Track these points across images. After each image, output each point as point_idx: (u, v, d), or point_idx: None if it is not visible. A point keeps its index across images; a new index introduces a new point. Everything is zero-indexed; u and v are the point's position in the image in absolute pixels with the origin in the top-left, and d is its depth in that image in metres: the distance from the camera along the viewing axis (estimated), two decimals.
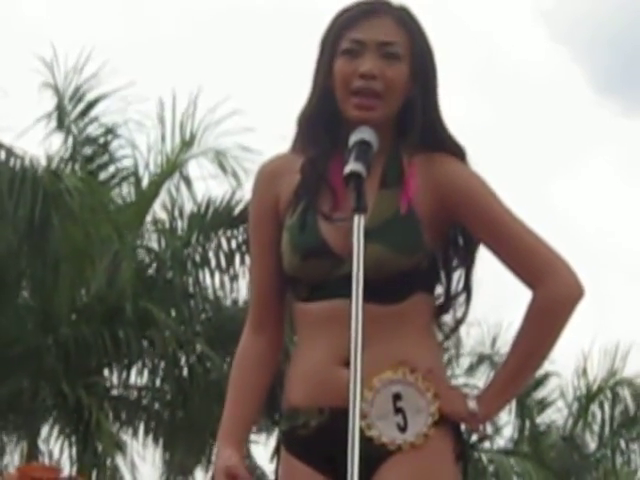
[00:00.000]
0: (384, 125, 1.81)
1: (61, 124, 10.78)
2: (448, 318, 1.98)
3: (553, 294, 1.83)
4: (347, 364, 1.70)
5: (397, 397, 1.85)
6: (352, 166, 1.70)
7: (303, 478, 1.88)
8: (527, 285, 1.86)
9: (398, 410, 1.85)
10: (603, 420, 14.48)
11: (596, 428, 14.49)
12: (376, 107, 1.81)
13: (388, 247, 1.78)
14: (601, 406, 14.42)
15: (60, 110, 10.81)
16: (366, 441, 1.71)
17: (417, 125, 1.86)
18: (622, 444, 14.48)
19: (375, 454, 1.78)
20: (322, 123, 1.88)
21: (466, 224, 1.89)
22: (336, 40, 1.85)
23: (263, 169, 2.00)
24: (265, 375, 1.99)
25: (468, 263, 1.93)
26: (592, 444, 14.74)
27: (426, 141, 1.87)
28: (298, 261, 1.86)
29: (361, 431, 1.61)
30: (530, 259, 1.85)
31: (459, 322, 1.98)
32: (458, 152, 1.89)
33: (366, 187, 1.74)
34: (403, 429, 1.84)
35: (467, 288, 1.94)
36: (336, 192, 1.85)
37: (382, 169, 1.82)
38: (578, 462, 14.18)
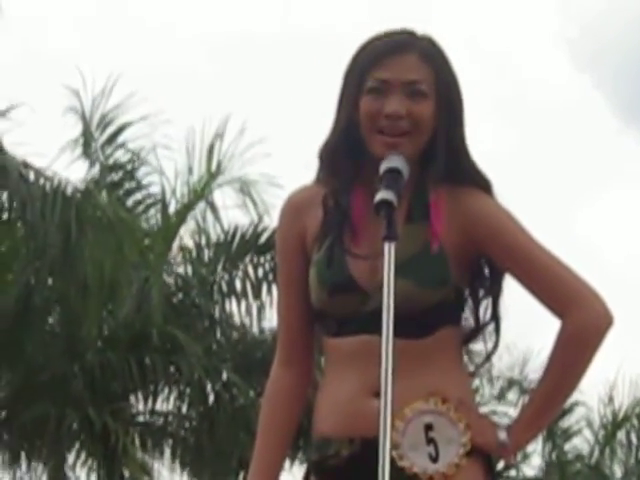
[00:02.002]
0: (410, 159, 1.81)
1: (87, 150, 10.82)
2: (479, 347, 1.97)
3: (582, 323, 1.82)
4: (377, 395, 1.70)
5: (429, 427, 1.84)
6: (383, 194, 1.70)
7: None
8: (556, 315, 1.85)
9: (430, 440, 1.84)
10: (629, 448, 14.50)
11: (622, 456, 14.49)
12: (402, 144, 1.82)
13: (415, 283, 1.78)
14: (627, 434, 14.47)
15: (86, 136, 10.86)
16: (398, 471, 1.72)
17: (443, 159, 1.86)
18: None
19: None
20: (346, 156, 1.88)
21: (493, 257, 1.89)
22: (362, 77, 1.85)
23: (289, 200, 2.01)
24: (295, 411, 2.01)
25: (495, 293, 1.92)
26: (618, 472, 14.67)
27: (452, 174, 1.87)
28: (326, 296, 1.87)
29: (393, 461, 1.63)
30: (558, 288, 1.85)
31: (491, 352, 1.96)
32: (484, 185, 1.89)
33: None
34: (435, 459, 1.83)
35: (495, 317, 1.93)
36: (356, 227, 1.86)
37: (408, 203, 1.83)
38: None
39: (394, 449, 1.74)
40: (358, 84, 1.85)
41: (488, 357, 1.97)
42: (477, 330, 1.94)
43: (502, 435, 1.85)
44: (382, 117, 1.82)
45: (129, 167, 11.13)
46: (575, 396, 12.98)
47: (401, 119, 1.82)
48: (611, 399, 14.20)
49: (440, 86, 1.86)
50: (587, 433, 14.30)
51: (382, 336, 1.63)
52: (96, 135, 10.99)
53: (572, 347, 1.82)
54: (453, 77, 1.90)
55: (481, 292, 1.94)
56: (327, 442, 1.88)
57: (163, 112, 10.53)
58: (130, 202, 11.12)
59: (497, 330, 1.94)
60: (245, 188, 10.56)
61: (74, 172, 10.66)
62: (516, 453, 1.97)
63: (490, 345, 1.96)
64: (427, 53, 1.86)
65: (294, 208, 1.98)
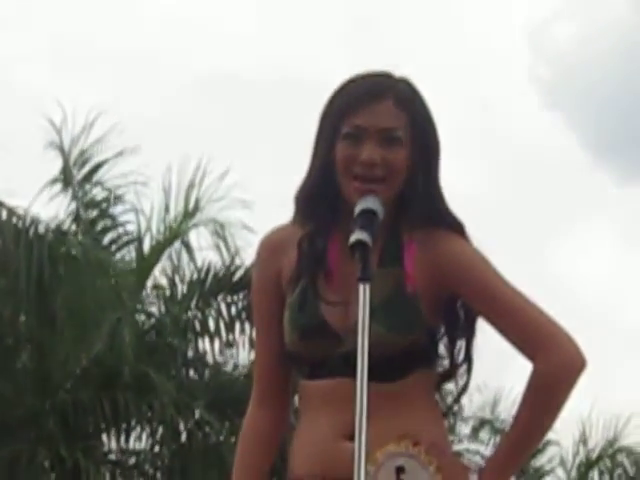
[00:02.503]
0: (385, 203, 1.80)
1: (66, 187, 10.75)
2: (450, 386, 1.97)
3: (554, 366, 1.81)
4: (350, 438, 1.72)
5: (400, 470, 1.86)
6: (358, 235, 1.70)
7: None
8: (528, 357, 1.84)
9: None
10: None
11: None
12: (377, 191, 1.82)
13: (387, 328, 1.78)
14: (600, 474, 14.34)
15: (65, 173, 10.81)
16: None
17: (418, 204, 1.88)
18: None
19: None
20: (321, 200, 1.89)
21: (465, 298, 1.90)
22: (337, 122, 1.86)
23: (266, 240, 2.00)
24: (269, 451, 2.03)
25: (468, 335, 1.92)
26: None
27: (426, 218, 1.88)
28: (297, 340, 1.87)
29: None
30: (530, 331, 1.84)
31: (461, 392, 1.97)
32: (458, 228, 1.90)
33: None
34: None
35: (468, 359, 1.93)
36: (331, 271, 1.86)
37: (380, 247, 1.82)
38: None
39: None
40: (334, 129, 1.86)
41: (459, 397, 1.98)
42: (451, 371, 1.94)
43: (473, 479, 1.86)
44: (357, 164, 1.82)
45: (105, 205, 11.00)
46: (548, 435, 13.10)
47: (375, 166, 1.83)
48: (585, 440, 14.17)
49: (416, 132, 1.87)
50: (560, 472, 14.18)
51: (357, 379, 1.63)
52: (74, 172, 10.91)
53: (544, 391, 1.82)
54: (429, 122, 1.91)
55: (455, 334, 1.94)
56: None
57: (142, 150, 10.48)
58: (106, 240, 10.99)
59: (469, 371, 1.94)
60: (220, 230, 10.50)
61: (55, 209, 10.55)
62: None
63: (461, 385, 1.96)
64: (403, 98, 1.87)
65: (271, 247, 1.98)
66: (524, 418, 1.85)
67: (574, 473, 14.19)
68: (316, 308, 1.87)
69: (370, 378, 1.65)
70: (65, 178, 10.69)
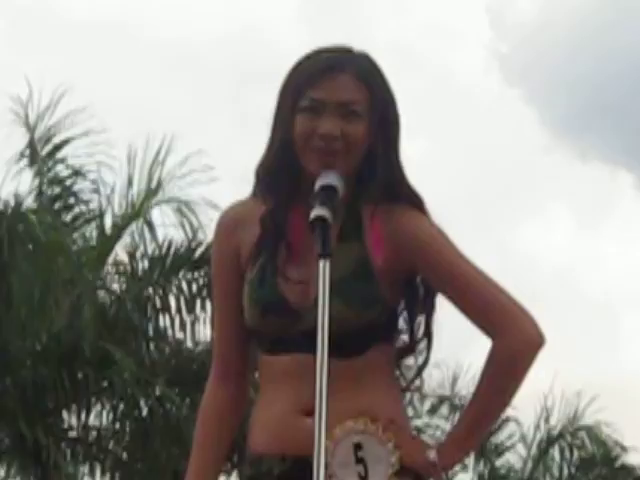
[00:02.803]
0: (344, 178, 1.80)
1: (33, 163, 10.76)
2: (410, 362, 1.97)
3: (513, 344, 1.82)
4: (309, 414, 1.73)
5: (358, 447, 1.86)
6: (317, 211, 1.69)
7: None
8: (487, 334, 1.85)
9: (359, 460, 1.87)
10: (562, 464, 14.57)
11: (555, 472, 14.58)
12: (337, 163, 1.81)
13: (346, 302, 1.77)
14: (561, 451, 14.54)
15: (32, 149, 10.81)
16: None
17: (378, 179, 1.86)
18: None
19: None
20: (282, 175, 1.87)
21: (426, 275, 1.89)
22: (296, 96, 1.84)
23: (226, 215, 1.99)
24: (230, 426, 2.00)
25: (428, 311, 1.92)
26: None
27: (386, 193, 1.86)
28: (257, 316, 1.86)
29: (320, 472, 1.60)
30: (490, 309, 1.85)
31: (421, 368, 1.96)
32: (418, 203, 1.89)
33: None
34: (364, 478, 1.86)
35: (428, 335, 1.92)
36: (293, 247, 1.85)
37: (340, 222, 1.81)
38: None
39: (323, 465, 1.68)
40: (293, 103, 1.84)
41: (419, 372, 1.97)
42: (410, 347, 1.93)
43: (432, 454, 1.85)
44: (316, 137, 1.81)
45: (68, 182, 10.96)
46: (507, 412, 13.21)
47: (335, 139, 1.82)
48: (547, 417, 14.31)
49: (375, 106, 1.85)
50: (520, 449, 14.32)
51: (317, 355, 1.62)
52: (39, 148, 10.91)
53: (503, 367, 1.83)
54: (389, 96, 1.90)
55: (415, 310, 1.93)
56: (260, 459, 1.89)
57: (108, 129, 10.47)
58: (68, 217, 10.99)
59: (428, 347, 1.94)
60: (182, 208, 10.50)
61: (17, 186, 10.58)
62: (446, 473, 1.95)
63: (421, 361, 1.96)
64: (363, 72, 1.86)
65: (230, 223, 1.97)
66: (483, 394, 1.86)
67: (534, 450, 14.34)
68: (275, 284, 1.85)
69: (330, 354, 1.64)
70: (31, 154, 10.71)
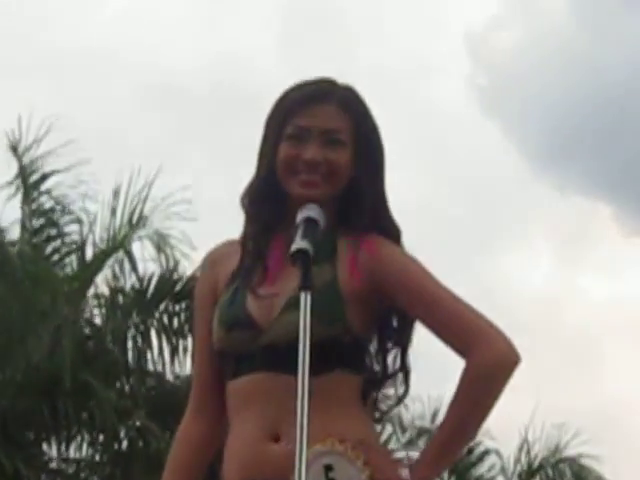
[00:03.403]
0: (326, 204, 1.82)
1: (16, 193, 10.59)
2: (390, 392, 1.97)
3: (486, 361, 1.80)
4: (276, 439, 1.80)
5: (328, 468, 1.85)
6: (298, 244, 1.68)
7: None
8: (460, 354, 1.84)
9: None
10: None
11: None
12: (319, 185, 1.84)
13: (311, 316, 1.73)
14: None
15: (22, 178, 10.73)
16: None
17: (361, 208, 1.89)
18: None
19: None
20: (266, 201, 1.90)
21: (399, 301, 1.88)
22: (281, 124, 1.88)
23: (209, 253, 2.03)
24: (200, 461, 2.03)
25: (403, 344, 1.91)
26: None
27: (367, 221, 1.89)
28: (223, 333, 1.87)
29: None
30: (462, 327, 1.84)
31: (399, 401, 1.96)
32: (396, 234, 1.92)
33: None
34: None
35: (404, 367, 1.92)
36: (268, 268, 1.87)
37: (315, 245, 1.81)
38: None
39: None
40: (278, 131, 1.88)
41: (397, 403, 1.97)
42: (382, 380, 1.93)
43: (404, 472, 1.85)
44: (300, 163, 1.85)
45: (50, 214, 10.83)
46: (488, 443, 12.84)
47: (318, 166, 1.85)
48: (527, 449, 14.07)
49: (359, 135, 1.89)
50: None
51: (298, 380, 1.59)
52: (25, 179, 10.78)
53: (476, 385, 1.81)
54: (373, 126, 1.93)
55: (389, 343, 1.93)
56: None
57: (90, 162, 10.44)
58: (49, 249, 10.84)
59: (406, 379, 1.93)
60: (162, 242, 10.45)
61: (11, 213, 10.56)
62: None
63: (400, 392, 1.95)
64: (346, 102, 1.89)
65: (211, 260, 2.01)
66: (457, 412, 1.84)
67: None
68: (243, 303, 1.87)
69: (291, 372, 1.64)
70: (22, 183, 10.73)
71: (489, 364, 1.81)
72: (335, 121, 1.89)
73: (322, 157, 1.86)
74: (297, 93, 1.92)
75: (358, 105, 1.93)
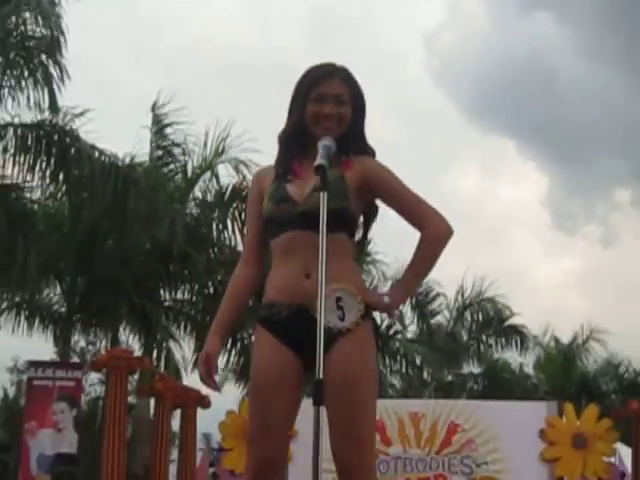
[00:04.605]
0: (335, 138, 2.44)
1: (152, 132, 13.63)
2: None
3: (434, 233, 2.46)
4: (308, 276, 2.37)
5: (339, 299, 2.37)
6: (319, 161, 2.21)
7: (271, 344, 2.45)
8: (418, 229, 2.47)
9: (339, 307, 2.37)
10: (471, 323, 18.49)
11: (467, 327, 18.65)
12: (333, 129, 2.48)
13: (330, 194, 2.28)
14: (472, 314, 18.51)
15: (153, 124, 13.56)
16: (316, 324, 2.15)
17: (354, 138, 2.54)
18: (483, 337, 18.50)
19: (328, 336, 2.21)
20: (293, 138, 2.54)
21: (379, 195, 2.50)
22: (307, 91, 2.51)
23: (256, 174, 2.68)
24: (247, 293, 2.56)
25: (370, 219, 2.58)
26: (465, 337, 19.22)
27: (356, 146, 2.54)
28: (273, 206, 2.44)
29: (316, 320, 2.12)
30: (421, 213, 2.46)
31: (363, 242, 2.63)
32: (372, 153, 2.56)
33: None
34: (342, 319, 2.38)
35: (366, 235, 2.61)
36: (295, 172, 2.50)
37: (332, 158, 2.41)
38: (457, 348, 18.12)
39: (318, 314, 2.13)
40: (305, 96, 2.51)
41: (363, 245, 2.65)
42: (361, 242, 2.60)
43: (387, 299, 2.45)
44: (321, 115, 2.48)
45: (168, 147, 13.69)
46: (438, 289, 17.47)
47: (333, 117, 2.49)
48: (462, 294, 18.24)
49: (354, 97, 2.54)
50: (445, 313, 18.28)
51: (319, 236, 2.14)
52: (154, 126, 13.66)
53: (428, 247, 2.46)
54: (361, 92, 2.57)
55: (368, 220, 2.57)
56: (273, 304, 2.44)
57: (193, 114, 13.32)
58: (166, 170, 13.83)
59: (365, 236, 2.63)
60: (237, 165, 13.02)
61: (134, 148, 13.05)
62: (395, 309, 2.55)
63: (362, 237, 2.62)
64: (345, 78, 2.54)
65: (256, 178, 2.64)
66: (416, 263, 2.46)
67: (454, 314, 18.25)
68: (285, 188, 2.44)
69: (308, 227, 2.24)
70: (152, 126, 13.30)
71: (436, 235, 2.44)
72: (340, 89, 2.49)
73: (335, 111, 2.47)
74: (316, 72, 2.51)
75: (352, 79, 2.53)
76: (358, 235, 2.59)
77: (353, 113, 2.54)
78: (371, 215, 2.59)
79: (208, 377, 2.43)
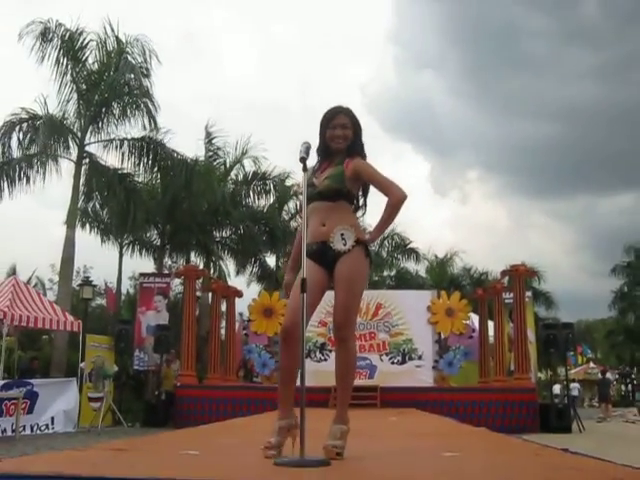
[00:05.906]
0: (344, 149, 3.71)
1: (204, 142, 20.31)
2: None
3: (395, 198, 3.59)
4: (323, 225, 3.61)
5: (342, 234, 3.54)
6: (301, 155, 3.31)
7: (311, 265, 3.50)
8: (385, 195, 3.57)
9: (343, 238, 3.53)
10: (388, 247, 26.70)
11: (386, 249, 26.41)
12: (342, 144, 3.73)
13: (331, 181, 3.61)
14: (389, 242, 26.58)
15: (206, 135, 20.30)
16: (331, 249, 3.52)
17: (354, 149, 3.72)
18: (395, 255, 27.13)
19: (336, 255, 3.53)
20: (322, 151, 3.78)
21: (366, 179, 3.69)
22: (327, 123, 3.74)
23: (309, 170, 3.62)
24: (299, 245, 3.56)
25: (366, 193, 3.76)
26: (384, 254, 27.06)
27: (355, 152, 3.73)
28: (309, 189, 3.57)
29: (329, 245, 3.51)
30: (386, 187, 3.61)
31: (360, 208, 3.80)
32: (364, 157, 3.73)
33: (329, 166, 3.71)
34: (345, 245, 3.53)
35: (365, 202, 3.78)
36: (321, 169, 3.71)
37: (339, 160, 3.72)
38: (381, 261, 25.71)
39: (329, 242, 3.51)
40: (325, 125, 3.77)
41: (365, 206, 3.85)
42: (363, 205, 3.81)
43: (368, 237, 3.67)
44: (334, 136, 3.74)
45: (214, 150, 20.64)
46: (411, 245, 25.01)
47: (340, 137, 3.72)
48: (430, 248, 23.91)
49: (354, 125, 3.79)
50: (377, 242, 21.71)
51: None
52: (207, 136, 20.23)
53: (391, 207, 3.60)
54: (358, 121, 3.80)
55: (364, 194, 3.79)
56: (309, 244, 3.51)
57: (228, 130, 20.31)
58: (214, 164, 20.84)
59: (365, 203, 3.82)
60: (255, 160, 20.87)
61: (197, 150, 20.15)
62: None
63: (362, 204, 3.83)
64: (347, 113, 3.78)
65: (309, 173, 3.66)
66: (385, 216, 3.58)
67: (379, 242, 23.39)
68: (312, 179, 3.62)
69: (325, 200, 3.53)
70: (205, 136, 20.56)
71: (397, 200, 3.54)
72: (345, 120, 3.70)
73: (342, 134, 3.66)
74: (330, 111, 3.71)
75: (352, 114, 3.72)
76: (362, 203, 3.88)
77: (353, 134, 3.81)
78: (365, 191, 3.81)
79: (287, 295, 3.69)
